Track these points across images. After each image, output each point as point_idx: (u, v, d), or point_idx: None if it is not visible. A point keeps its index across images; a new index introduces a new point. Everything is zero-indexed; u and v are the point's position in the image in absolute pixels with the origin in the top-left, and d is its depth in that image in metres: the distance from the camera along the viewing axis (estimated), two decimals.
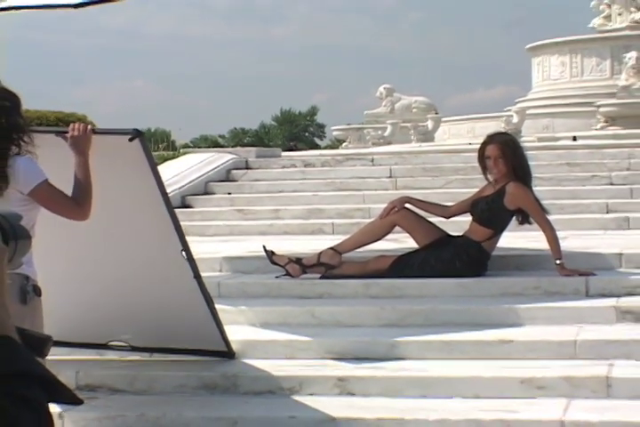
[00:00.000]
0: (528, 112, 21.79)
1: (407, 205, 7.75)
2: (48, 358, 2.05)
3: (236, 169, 13.21)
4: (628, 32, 24.39)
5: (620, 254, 7.57)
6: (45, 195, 4.88)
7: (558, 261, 7.11)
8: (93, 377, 6.24)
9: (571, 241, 8.13)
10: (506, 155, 7.40)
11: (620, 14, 25.57)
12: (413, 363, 6.11)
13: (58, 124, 17.14)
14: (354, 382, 5.89)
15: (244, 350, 6.37)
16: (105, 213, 5.24)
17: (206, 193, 12.51)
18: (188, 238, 5.87)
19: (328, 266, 7.55)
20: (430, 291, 7.18)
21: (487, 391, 5.67)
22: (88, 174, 5.03)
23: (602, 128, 19.70)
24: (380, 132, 24.75)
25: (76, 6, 7.21)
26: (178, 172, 12.85)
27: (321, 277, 7.53)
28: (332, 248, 7.64)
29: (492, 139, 7.61)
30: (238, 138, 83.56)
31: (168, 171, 12.77)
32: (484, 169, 7.54)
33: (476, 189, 7.95)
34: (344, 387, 5.88)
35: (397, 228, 7.71)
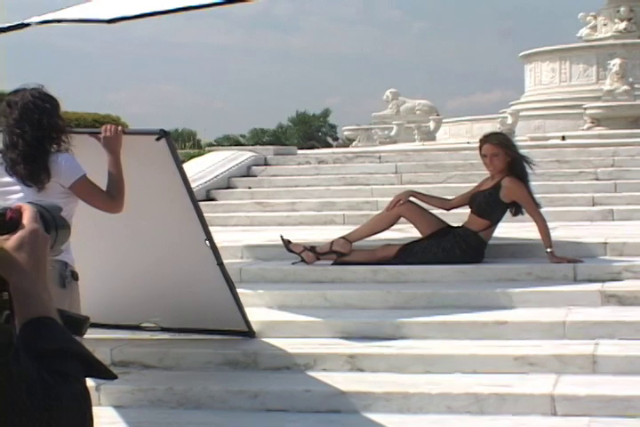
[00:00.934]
0: (521, 114, 21.71)
1: (411, 199, 7.74)
2: (85, 337, 2.04)
3: (256, 165, 13.19)
4: (612, 41, 24.31)
5: (605, 243, 7.55)
6: (84, 188, 4.89)
7: (549, 250, 7.10)
8: (127, 354, 6.25)
9: (560, 231, 8.10)
10: (500, 153, 7.39)
11: (605, 25, 25.49)
12: (417, 342, 6.10)
13: (94, 124, 17.18)
14: (363, 360, 5.89)
15: (263, 330, 6.36)
16: (135, 207, 5.24)
17: (229, 187, 12.50)
18: (212, 228, 5.86)
19: (339, 253, 7.55)
20: (432, 276, 7.16)
21: (484, 368, 5.67)
22: (120, 171, 5.04)
23: (588, 128, 19.62)
24: (386, 132, 24.70)
25: (109, 22, 7.20)
26: (203, 168, 12.85)
27: (333, 264, 7.53)
28: (343, 237, 7.64)
29: (487, 139, 7.59)
30: (258, 137, 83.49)
31: (194, 167, 12.79)
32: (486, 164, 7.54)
33: (474, 184, 7.93)
34: (354, 364, 5.87)
35: (402, 219, 7.71)
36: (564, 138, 16.71)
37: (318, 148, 29.32)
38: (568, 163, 12.06)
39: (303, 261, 7.59)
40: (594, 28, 25.88)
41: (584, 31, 26.05)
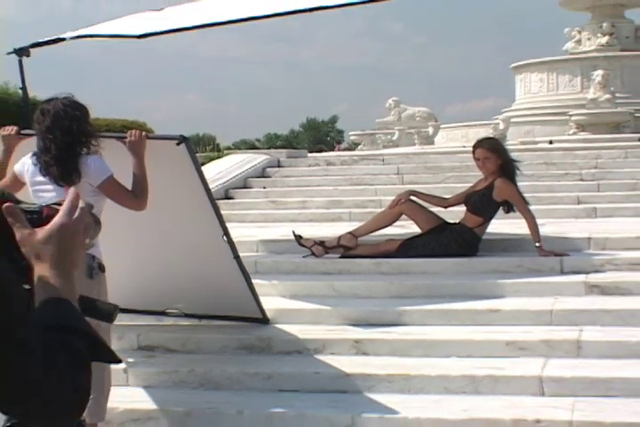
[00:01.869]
0: (512, 120, 21.61)
1: (412, 198, 7.73)
2: (115, 323, 2.03)
3: (270, 167, 13.19)
4: (595, 54, 24.22)
5: (589, 238, 7.54)
6: (111, 187, 4.90)
7: (537, 244, 7.08)
8: (152, 339, 6.25)
9: (548, 227, 8.08)
10: (491, 156, 7.38)
11: (589, 39, 25.41)
12: (417, 328, 6.09)
13: (123, 129, 17.17)
14: (367, 344, 5.88)
15: (276, 317, 6.36)
16: (158, 205, 5.23)
17: (245, 187, 12.49)
18: (229, 225, 5.86)
19: (346, 247, 7.54)
20: (431, 268, 7.15)
21: (478, 352, 5.65)
22: (144, 172, 5.04)
23: (574, 134, 19.57)
24: (389, 137, 24.64)
25: (139, 37, 7.18)
26: (222, 169, 12.85)
27: (340, 257, 7.52)
28: (349, 233, 7.63)
29: (479, 144, 7.58)
30: (272, 141, 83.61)
31: (214, 168, 12.80)
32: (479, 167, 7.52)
33: (470, 184, 7.92)
34: (359, 348, 5.87)
35: (404, 216, 7.70)
36: (551, 142, 16.67)
37: (325, 151, 29.22)
38: (555, 165, 12.05)
39: (313, 254, 7.59)
40: (578, 41, 25.79)
41: (569, 45, 25.97)
